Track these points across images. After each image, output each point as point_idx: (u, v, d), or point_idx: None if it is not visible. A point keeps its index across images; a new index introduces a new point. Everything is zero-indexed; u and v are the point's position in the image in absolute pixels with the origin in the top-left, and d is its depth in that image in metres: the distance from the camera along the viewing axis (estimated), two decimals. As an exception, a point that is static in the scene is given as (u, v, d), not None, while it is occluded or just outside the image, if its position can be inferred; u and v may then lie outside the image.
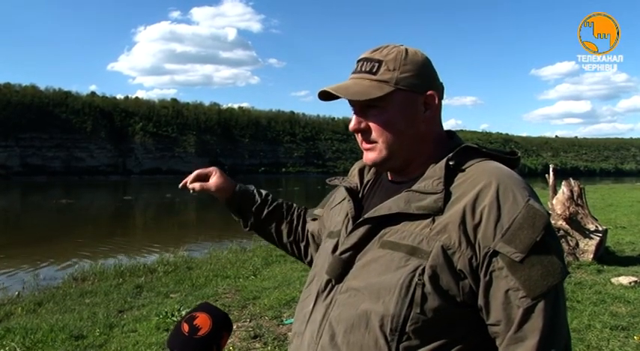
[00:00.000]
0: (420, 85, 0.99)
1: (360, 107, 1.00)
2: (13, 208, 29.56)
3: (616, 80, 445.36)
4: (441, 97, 1.03)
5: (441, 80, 1.05)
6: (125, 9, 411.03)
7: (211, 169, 1.43)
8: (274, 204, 1.43)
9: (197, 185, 1.40)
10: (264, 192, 1.45)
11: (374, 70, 0.99)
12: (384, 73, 0.98)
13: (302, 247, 1.41)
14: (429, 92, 1.00)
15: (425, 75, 1.01)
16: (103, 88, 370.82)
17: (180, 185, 1.45)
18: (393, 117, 0.98)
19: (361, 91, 0.98)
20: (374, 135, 1.00)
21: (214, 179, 1.40)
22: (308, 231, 1.40)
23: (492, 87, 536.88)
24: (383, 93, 0.97)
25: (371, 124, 0.99)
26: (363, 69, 1.00)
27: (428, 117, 1.01)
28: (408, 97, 0.98)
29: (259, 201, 1.41)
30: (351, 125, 1.02)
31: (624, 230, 9.94)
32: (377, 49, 1.02)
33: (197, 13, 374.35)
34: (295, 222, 1.43)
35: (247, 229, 1.45)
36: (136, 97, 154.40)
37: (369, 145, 1.01)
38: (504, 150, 1.04)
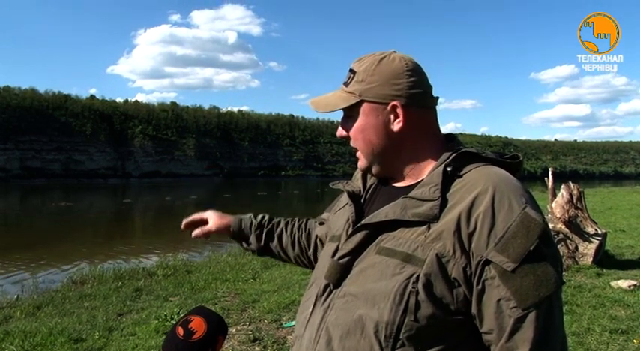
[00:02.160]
0: (385, 96, 1.00)
1: (344, 116, 1.07)
2: (13, 211, 29.50)
3: (615, 83, 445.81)
4: (415, 105, 1.01)
5: (422, 89, 1.02)
6: (125, 12, 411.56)
7: (206, 213, 1.50)
8: (271, 223, 1.48)
9: (199, 232, 1.47)
10: (260, 216, 1.50)
11: (347, 81, 1.05)
12: (353, 84, 1.03)
13: (311, 256, 1.42)
14: (392, 103, 1.00)
15: (393, 85, 1.00)
16: (103, 91, 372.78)
17: (183, 227, 1.51)
18: (361, 127, 1.03)
19: (329, 102, 1.06)
20: (352, 143, 1.07)
21: (213, 221, 1.47)
22: (316, 237, 1.40)
23: (492, 90, 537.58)
24: (347, 104, 1.02)
25: (350, 133, 1.06)
26: (344, 79, 1.06)
27: (402, 126, 1.00)
28: (373, 108, 1.01)
29: (256, 226, 1.46)
30: (337, 133, 1.09)
31: (623, 233, 9.95)
32: (360, 59, 1.05)
33: (197, 16, 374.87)
34: (297, 233, 1.45)
35: (260, 255, 1.51)
36: (136, 101, 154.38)
37: (358, 152, 1.08)
38: (505, 154, 1.03)
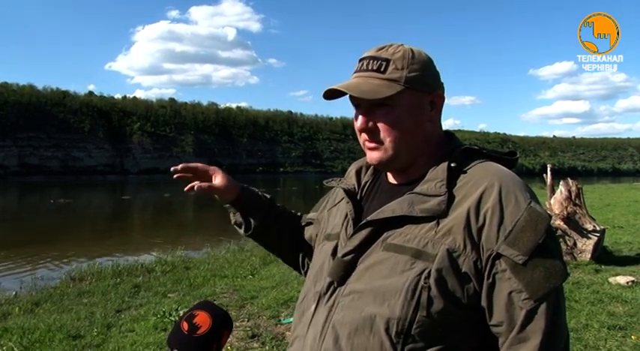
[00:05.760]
0: (427, 85, 1.00)
1: (368, 106, 0.99)
2: (11, 208, 29.46)
3: (614, 80, 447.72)
4: (444, 98, 1.04)
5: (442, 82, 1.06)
6: (123, 8, 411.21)
7: (213, 168, 1.31)
8: (280, 208, 1.36)
9: (205, 185, 1.26)
10: (268, 195, 1.36)
11: (382, 69, 0.98)
12: (393, 71, 0.97)
13: (301, 256, 1.37)
14: (436, 92, 1.01)
15: (431, 74, 1.01)
16: (101, 87, 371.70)
17: (174, 170, 1.26)
18: (402, 116, 0.97)
19: (372, 89, 0.96)
20: (382, 134, 0.98)
21: (220, 179, 1.28)
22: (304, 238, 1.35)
23: (490, 87, 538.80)
24: (394, 92, 0.96)
25: (379, 123, 0.98)
26: (370, 67, 0.99)
27: (433, 116, 1.01)
28: (416, 97, 0.98)
29: (267, 203, 1.32)
30: (358, 124, 1.00)
31: (622, 230, 9.94)
32: (382, 48, 1.01)
33: (196, 12, 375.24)
34: (299, 230, 1.36)
35: (249, 233, 1.32)
36: (134, 97, 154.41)
37: (374, 145, 1.00)
38: (503, 150, 1.04)
